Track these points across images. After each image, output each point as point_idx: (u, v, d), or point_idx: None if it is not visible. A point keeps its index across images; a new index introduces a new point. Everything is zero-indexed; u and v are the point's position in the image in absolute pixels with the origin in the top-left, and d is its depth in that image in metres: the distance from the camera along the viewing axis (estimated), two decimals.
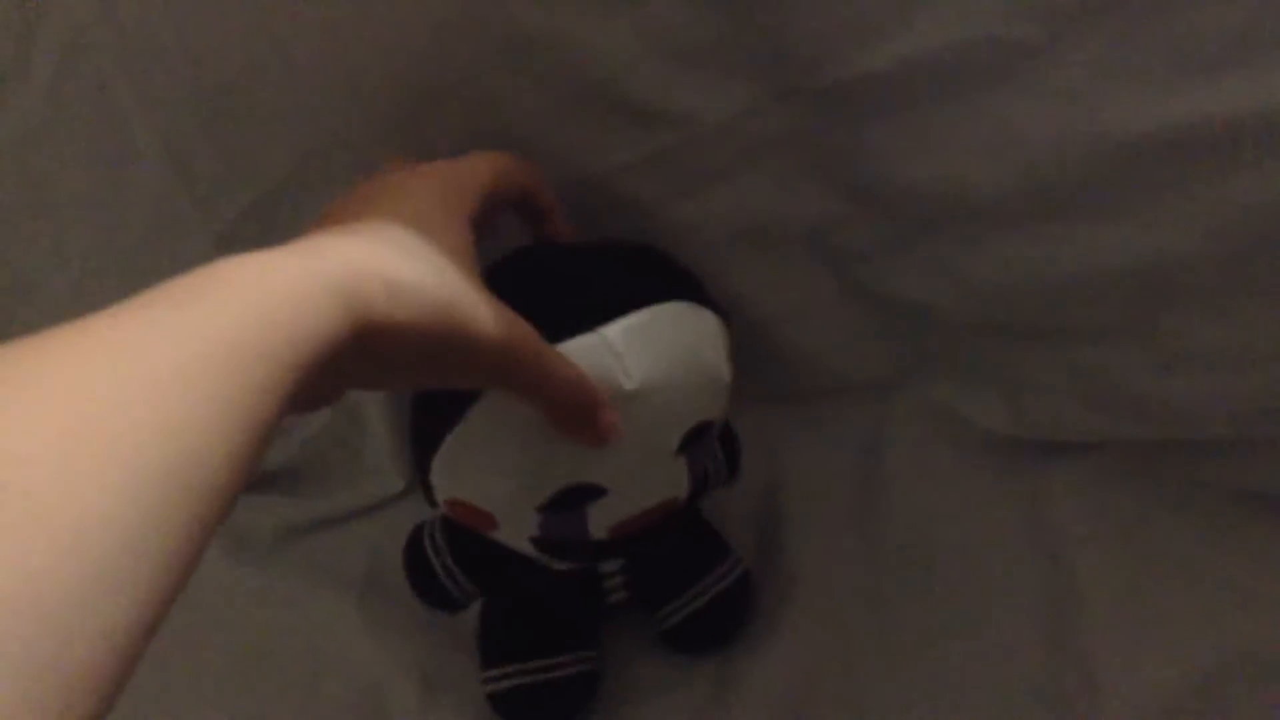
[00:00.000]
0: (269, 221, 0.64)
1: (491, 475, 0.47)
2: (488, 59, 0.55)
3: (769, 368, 0.69)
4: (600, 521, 0.49)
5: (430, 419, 0.48)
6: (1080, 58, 0.51)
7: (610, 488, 0.48)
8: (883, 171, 0.58)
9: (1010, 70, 0.52)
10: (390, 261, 0.35)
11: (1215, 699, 0.56)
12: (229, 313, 0.27)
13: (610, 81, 0.56)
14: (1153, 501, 0.63)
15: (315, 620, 0.70)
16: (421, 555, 0.59)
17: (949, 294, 0.62)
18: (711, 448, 0.58)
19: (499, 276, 0.43)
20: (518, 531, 0.50)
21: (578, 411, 0.43)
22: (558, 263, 0.50)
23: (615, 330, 0.44)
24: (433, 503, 0.51)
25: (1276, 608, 0.58)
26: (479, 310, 0.37)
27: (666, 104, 0.57)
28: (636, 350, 0.44)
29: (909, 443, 0.69)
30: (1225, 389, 0.57)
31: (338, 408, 0.72)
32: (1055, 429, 0.64)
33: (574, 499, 0.47)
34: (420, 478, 0.50)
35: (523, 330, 0.40)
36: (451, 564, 0.58)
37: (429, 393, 0.48)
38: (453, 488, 0.49)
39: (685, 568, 0.62)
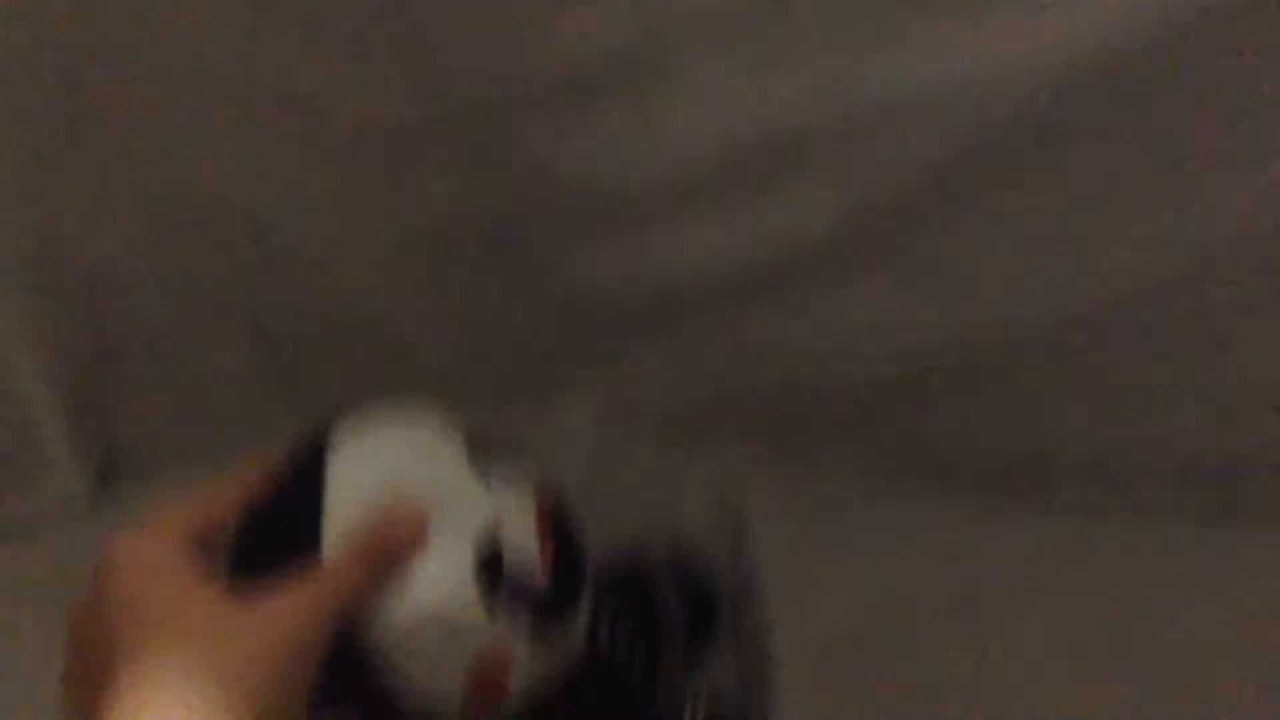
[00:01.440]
0: None
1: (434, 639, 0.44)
2: None
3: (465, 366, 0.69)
4: (526, 567, 0.46)
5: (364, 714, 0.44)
6: (718, 59, 0.54)
7: (495, 541, 0.45)
8: (554, 171, 0.60)
9: (661, 73, 0.55)
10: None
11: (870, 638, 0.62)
12: None
13: (267, 70, 0.56)
14: (815, 468, 0.68)
15: None
16: None
17: (630, 289, 0.65)
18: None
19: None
20: (512, 649, 0.46)
21: (385, 568, 0.41)
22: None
23: (334, 486, 0.43)
24: None
25: (918, 560, 0.65)
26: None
27: (325, 99, 0.57)
28: (362, 471, 0.44)
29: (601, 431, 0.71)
30: (866, 359, 0.63)
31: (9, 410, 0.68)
32: (723, 404, 0.68)
33: (492, 571, 0.44)
34: None
35: (299, 619, 0.38)
36: None
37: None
38: (454, 664, 0.45)
39: None
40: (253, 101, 0.57)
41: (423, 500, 0.43)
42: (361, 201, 0.62)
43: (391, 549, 0.41)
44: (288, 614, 0.37)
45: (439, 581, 0.43)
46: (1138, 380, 0.59)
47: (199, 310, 0.66)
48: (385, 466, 0.44)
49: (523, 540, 0.47)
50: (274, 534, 0.43)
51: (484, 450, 0.48)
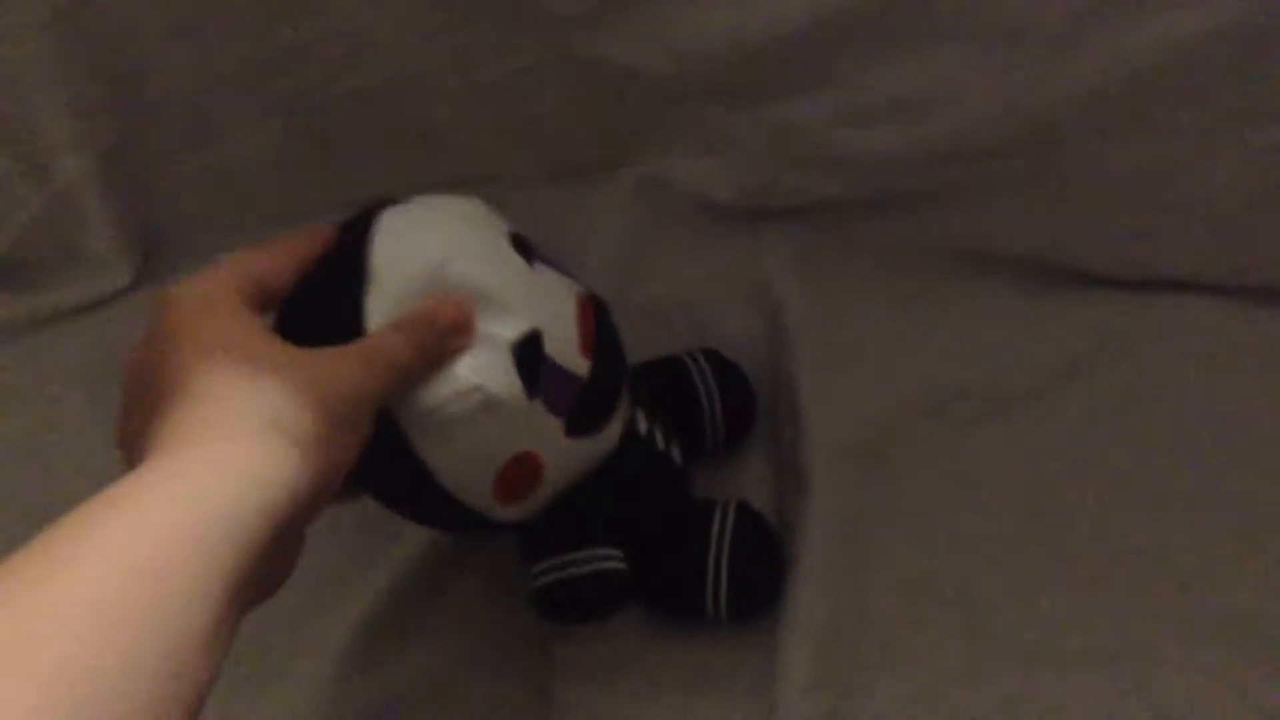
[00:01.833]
0: None
1: (477, 418, 0.44)
2: None
3: (500, 147, 0.67)
4: (567, 358, 0.47)
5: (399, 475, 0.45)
6: None
7: (539, 325, 0.45)
8: None
9: None
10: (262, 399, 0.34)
11: (902, 431, 0.62)
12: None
13: None
14: (854, 259, 0.66)
15: (44, 418, 0.68)
16: (559, 587, 0.54)
17: (659, 59, 0.62)
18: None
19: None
20: (549, 441, 0.48)
21: (432, 347, 0.42)
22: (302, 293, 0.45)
23: (375, 260, 0.43)
24: (488, 520, 0.48)
25: (963, 351, 0.64)
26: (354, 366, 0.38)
27: None
28: (406, 248, 0.44)
29: (638, 217, 0.69)
30: (906, 139, 0.60)
31: (50, 195, 0.68)
32: (765, 193, 0.66)
33: (533, 355, 0.45)
34: (464, 519, 0.48)
35: (351, 371, 0.38)
36: (587, 553, 0.54)
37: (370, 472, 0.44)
38: (486, 462, 0.46)
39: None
40: None
41: (466, 283, 0.43)
42: None
43: (437, 331, 0.41)
44: (343, 364, 0.38)
45: (481, 360, 0.43)
46: (1193, 155, 0.56)
47: (235, 91, 0.65)
48: (431, 250, 0.44)
49: (564, 329, 0.47)
50: (317, 306, 0.43)
51: (527, 242, 0.48)
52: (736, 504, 0.57)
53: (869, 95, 0.59)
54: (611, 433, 0.51)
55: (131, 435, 0.36)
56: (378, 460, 0.41)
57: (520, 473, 0.47)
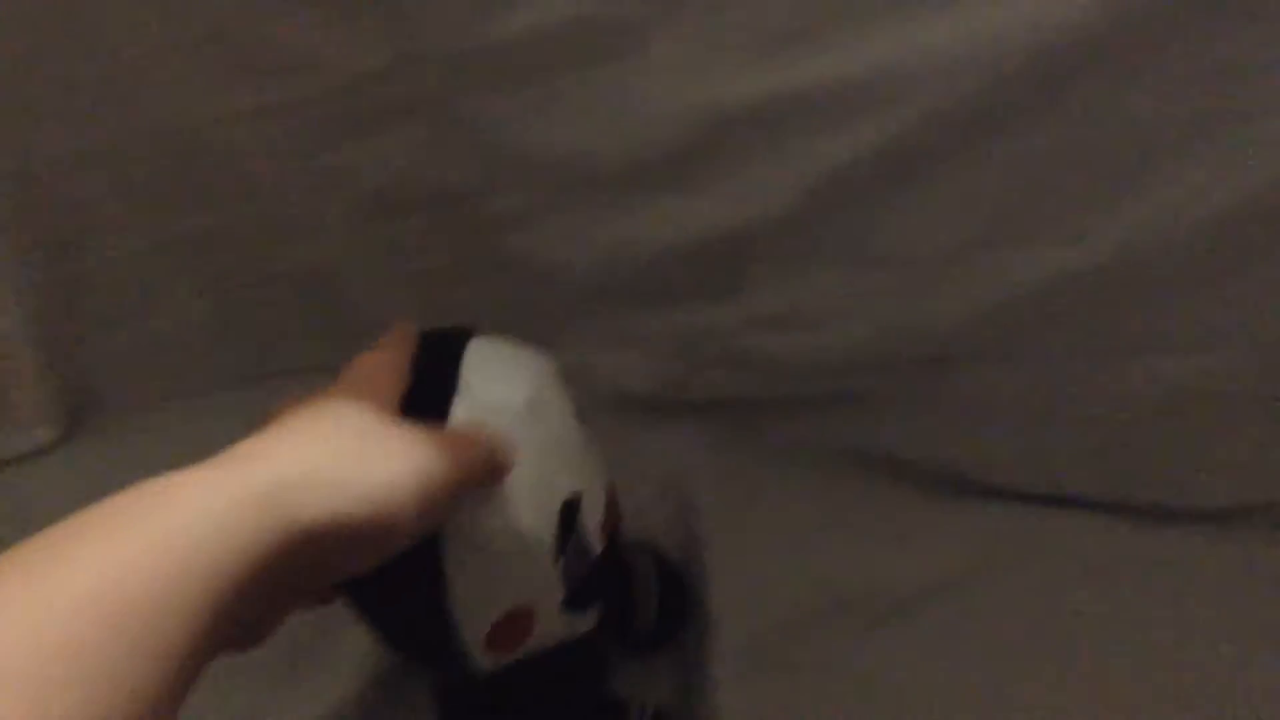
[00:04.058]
0: None
1: (512, 559, 0.45)
2: None
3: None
4: (592, 530, 0.48)
5: (415, 587, 0.45)
6: (680, 33, 0.54)
7: (583, 489, 0.47)
8: (511, 139, 0.61)
9: (623, 45, 0.56)
10: (319, 461, 0.34)
11: (806, 631, 0.63)
12: (143, 542, 0.28)
13: (235, 22, 0.56)
14: (764, 456, 0.69)
15: None
16: None
17: (583, 258, 0.65)
18: None
19: None
20: (550, 606, 0.48)
21: (486, 472, 0.42)
22: None
23: (466, 377, 0.44)
24: (461, 665, 0.48)
25: (865, 552, 0.65)
26: (413, 492, 0.36)
27: (293, 55, 0.57)
28: (494, 376, 0.45)
29: None
30: (806, 347, 0.63)
31: None
32: (680, 388, 0.68)
33: (570, 516, 0.46)
34: (446, 653, 0.47)
35: (446, 464, 0.38)
36: None
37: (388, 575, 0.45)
38: (493, 606, 0.47)
39: None
40: (230, 53, 0.58)
41: (542, 426, 0.45)
42: (326, 161, 0.62)
43: (487, 463, 0.42)
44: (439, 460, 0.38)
45: (531, 506, 0.44)
46: (1079, 376, 0.59)
47: (166, 266, 0.67)
48: (519, 384, 0.45)
49: (597, 505, 0.49)
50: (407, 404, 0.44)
51: (583, 416, 0.50)
52: (654, 710, 0.58)
53: (771, 304, 0.62)
54: (592, 616, 0.52)
55: None
56: (400, 564, 0.42)
57: (516, 626, 0.47)
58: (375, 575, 0.38)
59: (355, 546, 0.35)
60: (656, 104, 0.56)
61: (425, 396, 0.43)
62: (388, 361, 0.43)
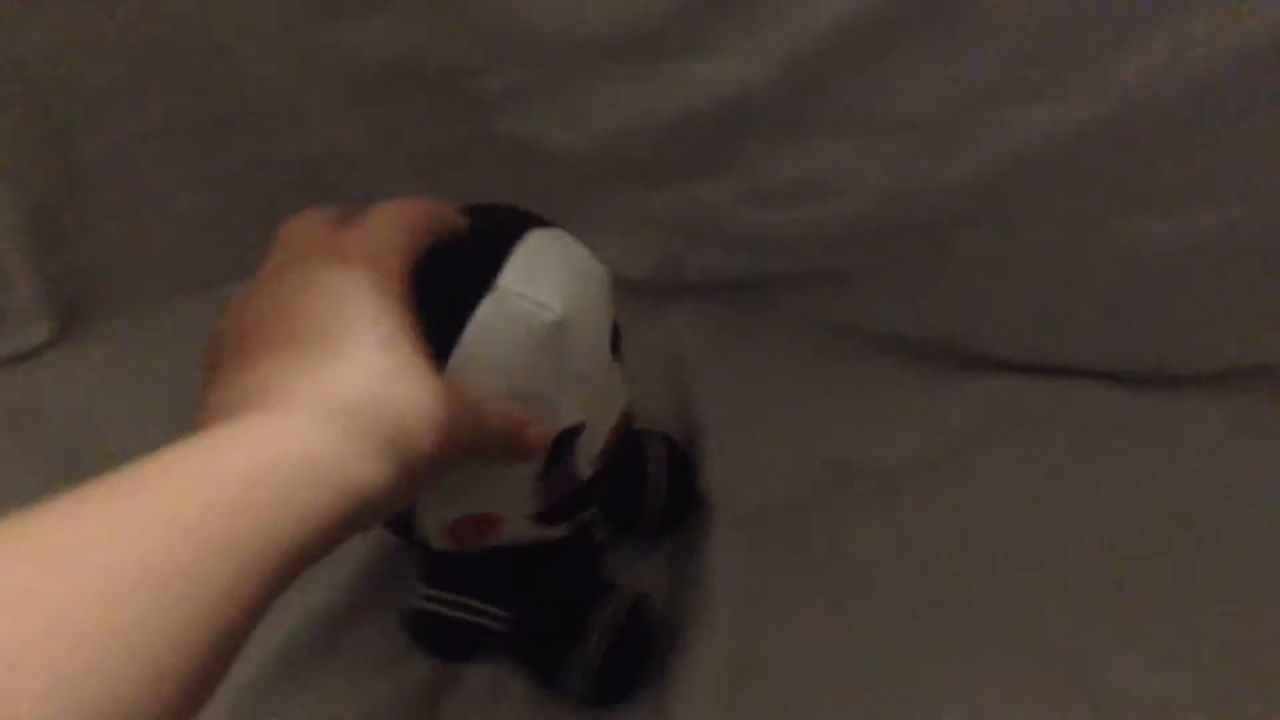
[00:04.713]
0: None
1: (489, 473, 0.45)
2: None
3: None
4: (584, 460, 0.48)
5: None
6: None
7: (588, 421, 0.46)
8: (505, 12, 0.60)
9: None
10: (392, 395, 0.31)
11: (806, 506, 0.63)
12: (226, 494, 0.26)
13: None
14: (762, 336, 0.69)
15: None
16: (437, 619, 0.55)
17: (576, 139, 0.65)
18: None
19: None
20: (520, 516, 0.48)
21: (512, 446, 0.41)
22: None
23: (508, 279, 0.42)
24: (422, 542, 0.49)
25: (864, 426, 0.66)
26: (462, 415, 0.34)
27: None
28: (537, 284, 0.43)
29: None
30: (809, 220, 0.63)
31: None
32: (677, 269, 0.68)
33: (565, 446, 0.46)
34: (403, 521, 0.48)
35: (461, 406, 0.35)
36: (478, 603, 0.54)
37: None
38: (455, 506, 0.47)
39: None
40: None
41: (566, 358, 0.43)
42: (320, 43, 0.62)
43: (522, 446, 0.41)
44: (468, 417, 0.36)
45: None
46: (1075, 240, 0.59)
47: (163, 156, 0.67)
48: (556, 306, 0.42)
49: (598, 435, 0.48)
50: (435, 294, 0.40)
51: (619, 335, 0.49)
52: (635, 595, 0.57)
53: (769, 178, 0.62)
54: (565, 528, 0.52)
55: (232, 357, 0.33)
56: None
57: (479, 527, 0.47)
58: None
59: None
60: None
61: (459, 284, 0.42)
62: (401, 244, 0.37)
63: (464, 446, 0.35)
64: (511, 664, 0.57)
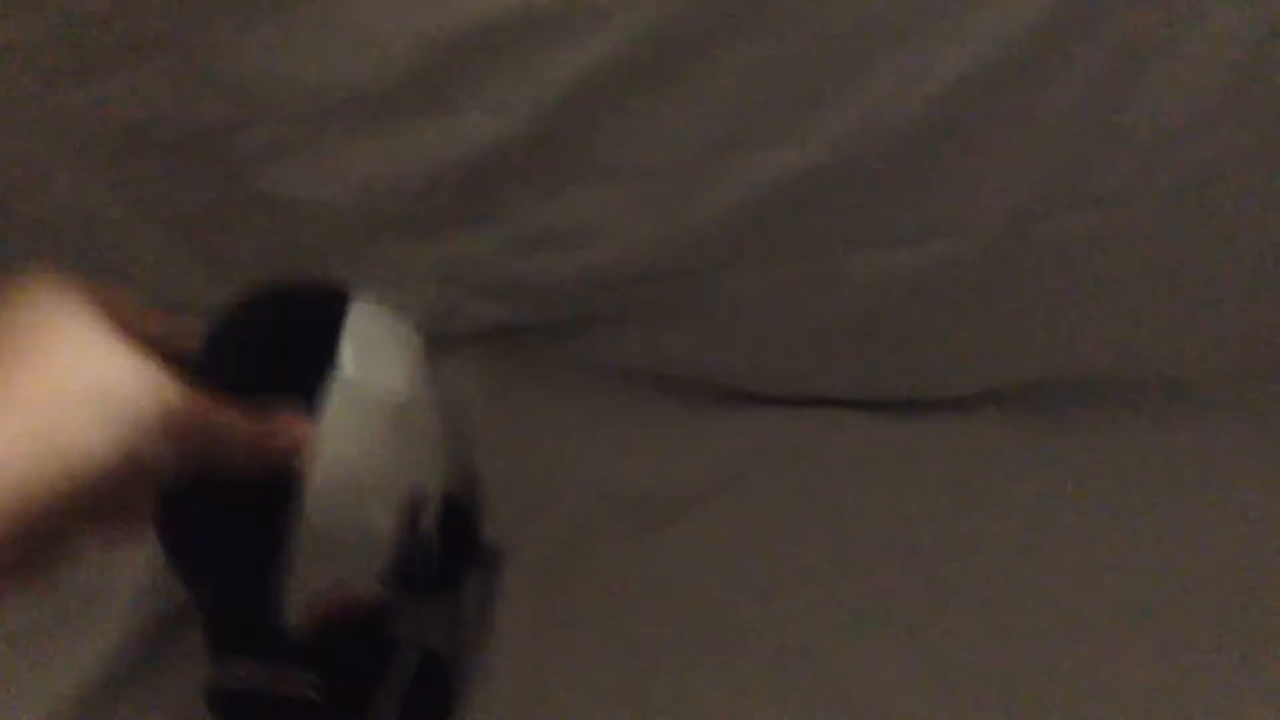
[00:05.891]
0: None
1: (359, 557, 0.44)
2: None
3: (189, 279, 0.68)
4: (429, 523, 0.47)
5: (251, 543, 0.43)
6: None
7: (429, 484, 0.47)
8: (249, 72, 0.60)
9: None
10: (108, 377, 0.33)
11: (591, 541, 0.64)
12: None
13: None
14: (534, 381, 0.70)
15: None
16: (249, 693, 0.52)
17: (338, 193, 0.64)
18: None
19: None
20: (374, 588, 0.47)
21: (265, 446, 0.40)
22: (230, 355, 0.45)
23: (349, 367, 0.42)
24: (273, 630, 0.46)
25: (636, 463, 0.68)
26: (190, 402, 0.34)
27: None
28: (378, 367, 0.43)
29: None
30: (570, 266, 0.64)
31: None
32: (448, 320, 0.68)
33: (416, 514, 0.45)
34: (251, 608, 0.46)
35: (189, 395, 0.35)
36: (305, 675, 0.52)
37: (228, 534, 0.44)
38: (310, 592, 0.45)
39: None
40: None
41: (413, 432, 0.44)
42: (61, 104, 0.60)
43: (281, 443, 0.40)
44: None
45: (389, 508, 0.44)
46: (815, 279, 0.62)
47: None
48: (399, 385, 0.43)
49: (435, 499, 0.48)
50: (276, 368, 0.43)
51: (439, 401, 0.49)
52: (424, 649, 0.57)
53: (529, 227, 0.63)
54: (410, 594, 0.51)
55: None
56: (240, 534, 0.41)
57: (337, 608, 0.47)
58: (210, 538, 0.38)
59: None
60: (393, 27, 0.56)
61: (301, 371, 0.42)
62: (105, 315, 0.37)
63: (198, 431, 0.36)
64: None
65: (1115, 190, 0.57)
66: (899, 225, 0.60)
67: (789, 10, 0.52)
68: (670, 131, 0.58)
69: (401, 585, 0.48)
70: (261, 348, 0.44)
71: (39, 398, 0.33)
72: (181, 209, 0.65)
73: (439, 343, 0.69)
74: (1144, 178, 0.57)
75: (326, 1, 0.56)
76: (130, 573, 0.60)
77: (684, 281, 0.63)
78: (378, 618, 0.56)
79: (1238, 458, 0.65)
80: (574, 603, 0.62)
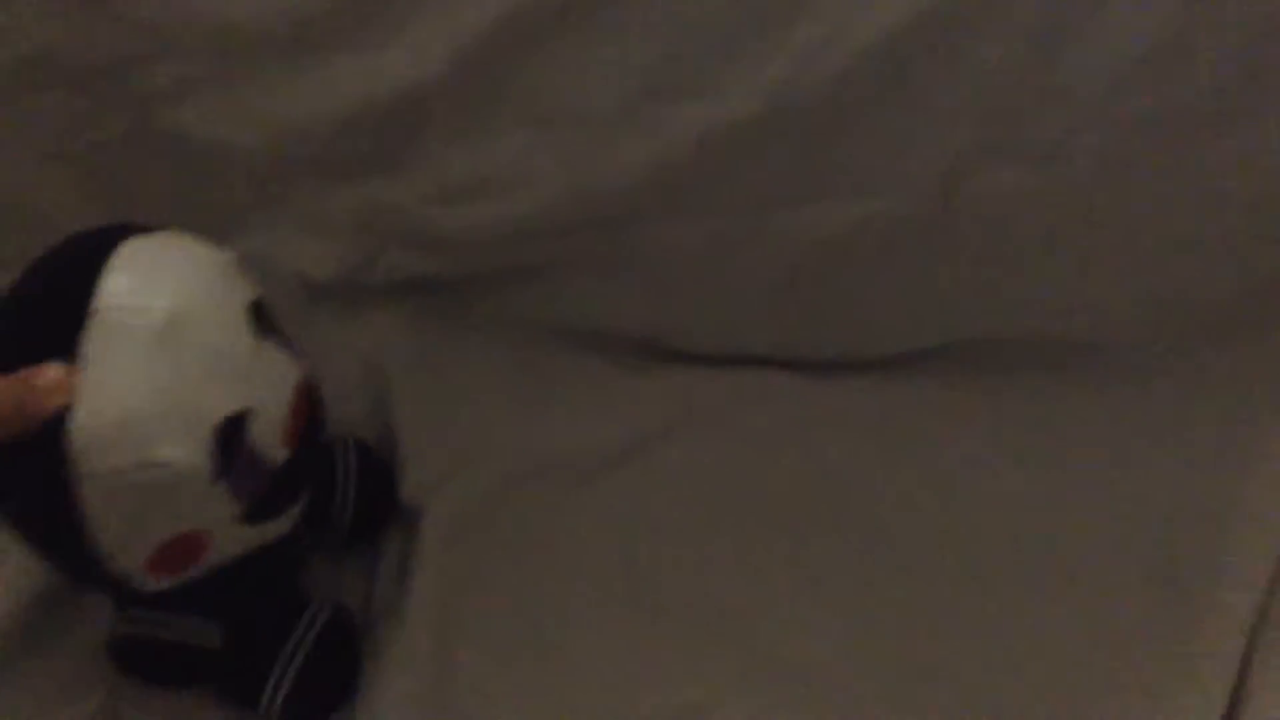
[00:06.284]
0: None
1: (155, 490, 0.42)
2: None
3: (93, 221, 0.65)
4: (267, 445, 0.45)
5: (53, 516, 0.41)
6: None
7: (252, 406, 0.43)
8: (169, 4, 0.57)
9: None
10: None
11: (512, 499, 0.63)
12: None
13: None
14: (458, 335, 0.68)
15: None
16: (149, 641, 0.52)
17: (248, 134, 0.62)
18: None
19: None
20: (225, 524, 0.45)
21: (27, 404, 0.39)
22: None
23: (103, 298, 0.40)
24: (125, 584, 0.45)
25: (559, 421, 0.66)
26: None
27: None
28: (134, 292, 0.41)
29: None
30: (492, 216, 0.62)
31: None
32: (367, 270, 0.66)
33: (234, 436, 0.43)
34: (90, 574, 0.44)
35: None
36: (205, 624, 0.52)
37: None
38: (149, 533, 0.43)
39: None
40: None
41: (190, 349, 0.41)
42: None
43: (35, 390, 0.39)
44: None
45: (178, 434, 0.41)
46: (741, 235, 0.61)
47: None
48: (163, 302, 0.41)
49: (274, 415, 0.45)
50: (27, 325, 0.42)
51: (265, 313, 0.47)
52: (333, 607, 0.56)
53: (449, 175, 0.61)
54: (285, 520, 0.49)
55: None
56: (34, 495, 0.40)
57: (182, 551, 0.45)
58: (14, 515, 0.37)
59: None
60: None
61: (50, 326, 0.40)
62: None
63: None
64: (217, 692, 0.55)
65: (1045, 147, 0.56)
66: (828, 181, 0.58)
67: None
68: (593, 79, 0.56)
69: (259, 515, 0.47)
70: (27, 307, 0.43)
71: None
72: (85, 147, 0.62)
73: (359, 293, 0.68)
74: (1074, 135, 0.56)
75: None
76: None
77: (608, 234, 0.62)
78: (282, 569, 0.56)
79: (1163, 419, 0.66)
80: (492, 560, 0.61)
